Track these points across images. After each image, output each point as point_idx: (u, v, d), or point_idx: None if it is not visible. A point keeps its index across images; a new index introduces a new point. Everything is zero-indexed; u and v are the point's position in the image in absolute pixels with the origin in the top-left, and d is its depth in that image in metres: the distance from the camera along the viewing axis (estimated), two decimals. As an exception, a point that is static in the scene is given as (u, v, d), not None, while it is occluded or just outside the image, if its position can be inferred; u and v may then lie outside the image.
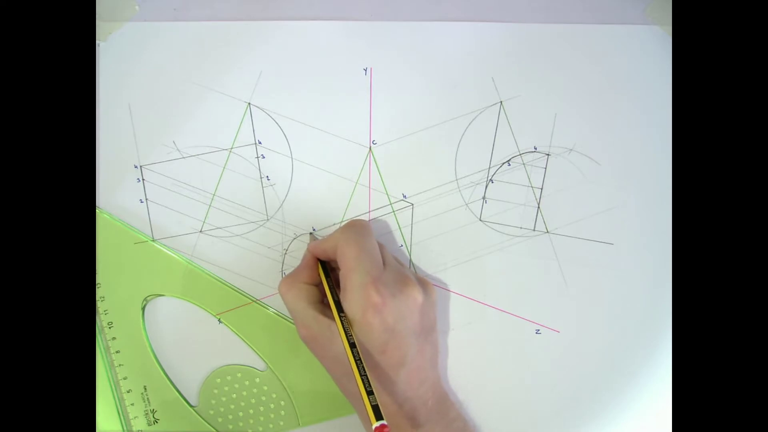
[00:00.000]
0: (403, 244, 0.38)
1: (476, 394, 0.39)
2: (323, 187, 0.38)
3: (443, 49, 0.36)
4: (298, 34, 0.37)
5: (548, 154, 0.37)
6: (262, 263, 0.38)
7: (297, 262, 0.38)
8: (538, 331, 0.38)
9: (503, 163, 0.37)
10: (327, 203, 0.38)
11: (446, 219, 0.38)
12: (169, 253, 0.38)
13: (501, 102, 0.37)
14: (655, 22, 0.36)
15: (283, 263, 0.38)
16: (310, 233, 0.38)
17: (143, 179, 0.38)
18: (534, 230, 0.38)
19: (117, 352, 0.39)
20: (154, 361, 0.39)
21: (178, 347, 0.39)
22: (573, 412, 0.39)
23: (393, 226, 0.38)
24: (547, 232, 0.38)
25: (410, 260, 0.38)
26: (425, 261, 0.38)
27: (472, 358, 0.39)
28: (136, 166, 0.38)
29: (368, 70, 0.37)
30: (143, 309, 0.39)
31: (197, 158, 0.38)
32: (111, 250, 0.38)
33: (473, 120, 0.37)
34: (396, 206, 0.38)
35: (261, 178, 0.38)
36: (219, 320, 0.39)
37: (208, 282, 0.38)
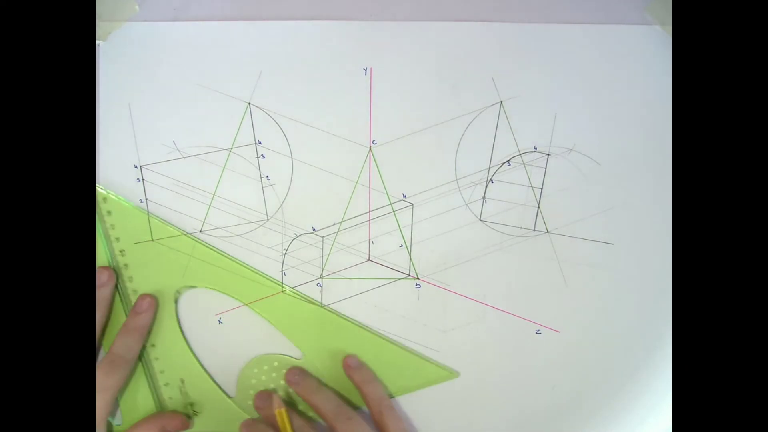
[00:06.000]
0: (403, 244, 0.38)
1: (476, 394, 0.39)
2: (323, 187, 0.38)
3: (443, 49, 0.36)
4: (298, 34, 0.37)
5: (548, 154, 0.37)
6: (262, 263, 0.38)
7: (297, 262, 0.38)
8: (538, 331, 0.38)
9: (503, 163, 0.37)
10: (327, 203, 0.38)
11: (446, 219, 0.38)
12: (198, 244, 0.38)
13: (501, 102, 0.37)
14: (655, 22, 0.36)
15: (283, 263, 0.38)
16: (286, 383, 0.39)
17: (143, 179, 0.38)
18: (534, 230, 0.38)
19: (152, 345, 0.39)
20: (190, 353, 0.39)
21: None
22: (573, 412, 0.39)
23: (393, 226, 0.38)
24: (547, 232, 0.38)
25: (410, 260, 0.38)
26: (425, 261, 0.38)
27: (472, 358, 0.39)
28: (136, 166, 0.38)
29: (368, 70, 0.37)
30: (176, 302, 0.39)
31: (197, 158, 0.38)
32: (141, 243, 0.38)
33: (473, 120, 0.37)
34: (396, 206, 0.38)
35: (261, 178, 0.38)
36: (251, 309, 0.38)
37: (237, 271, 0.38)
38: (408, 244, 0.38)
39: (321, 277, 0.39)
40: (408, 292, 0.39)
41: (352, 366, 0.38)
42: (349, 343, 0.39)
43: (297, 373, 0.38)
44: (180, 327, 0.39)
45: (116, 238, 0.38)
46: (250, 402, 0.39)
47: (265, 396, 0.38)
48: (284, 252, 0.38)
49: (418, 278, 0.39)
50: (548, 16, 0.36)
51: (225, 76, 0.37)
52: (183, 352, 0.39)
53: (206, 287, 0.39)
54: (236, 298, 0.39)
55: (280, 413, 0.36)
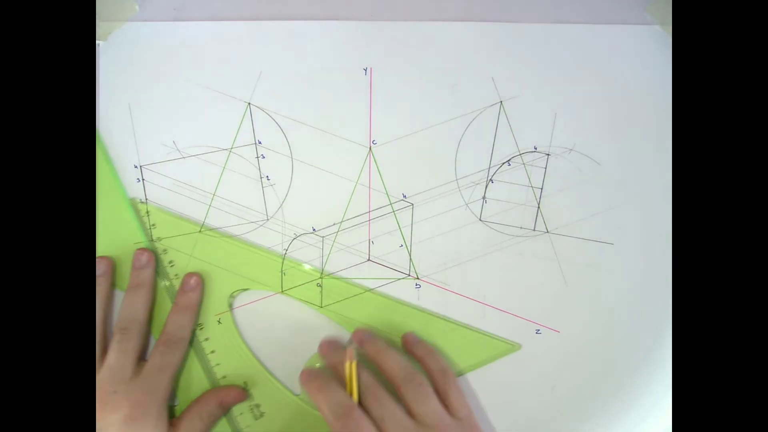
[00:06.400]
0: (403, 244, 0.38)
1: (476, 394, 0.39)
2: (323, 187, 0.38)
3: (443, 49, 0.36)
4: (298, 34, 0.37)
5: (548, 154, 0.37)
6: (262, 263, 0.38)
7: (297, 262, 0.38)
8: (538, 331, 0.38)
9: (503, 163, 0.37)
10: (327, 203, 0.38)
11: (446, 219, 0.38)
12: (245, 246, 0.38)
13: (501, 102, 0.37)
14: (655, 21, 0.36)
15: (282, 263, 0.38)
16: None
17: (143, 179, 0.38)
18: (534, 230, 0.38)
19: (212, 352, 0.39)
20: (251, 355, 0.39)
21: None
22: (573, 411, 0.39)
23: (393, 226, 0.38)
24: (547, 232, 0.38)
25: (410, 260, 0.38)
26: (425, 261, 0.38)
27: (472, 358, 0.39)
28: (136, 166, 0.38)
29: (368, 70, 0.37)
30: (230, 306, 0.39)
31: (197, 158, 0.38)
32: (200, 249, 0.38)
33: (473, 120, 0.37)
34: (396, 206, 0.38)
35: (261, 178, 0.38)
36: (319, 309, 0.38)
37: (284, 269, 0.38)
38: (408, 244, 0.38)
39: (321, 277, 0.39)
40: (408, 292, 0.39)
41: (411, 342, 0.38)
42: (406, 326, 0.38)
43: (365, 332, 0.37)
44: (238, 330, 0.39)
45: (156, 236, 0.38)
46: None
47: (333, 343, 0.37)
48: (284, 252, 0.38)
49: (418, 278, 0.39)
50: (548, 16, 0.36)
51: (225, 76, 0.37)
52: (244, 354, 0.39)
53: (259, 288, 0.38)
54: (305, 301, 0.38)
55: (350, 366, 0.34)
